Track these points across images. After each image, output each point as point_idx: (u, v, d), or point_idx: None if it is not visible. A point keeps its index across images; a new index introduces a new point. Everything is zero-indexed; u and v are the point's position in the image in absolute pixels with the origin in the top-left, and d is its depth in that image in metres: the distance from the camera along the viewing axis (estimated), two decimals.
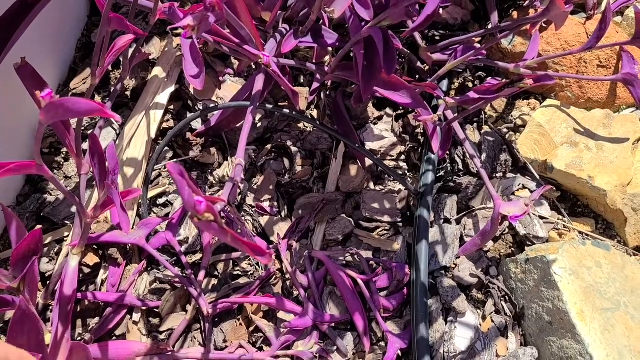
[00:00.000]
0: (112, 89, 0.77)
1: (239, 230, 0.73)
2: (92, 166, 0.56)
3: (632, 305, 0.65)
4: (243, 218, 0.78)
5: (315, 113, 0.85)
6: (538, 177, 0.78)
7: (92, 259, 0.73)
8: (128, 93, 0.84)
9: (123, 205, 0.55)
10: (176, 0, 0.90)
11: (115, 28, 0.56)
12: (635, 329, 0.64)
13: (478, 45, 0.83)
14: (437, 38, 0.88)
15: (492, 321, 0.70)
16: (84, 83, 0.83)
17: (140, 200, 0.77)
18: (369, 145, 0.81)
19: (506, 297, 0.71)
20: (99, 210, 0.62)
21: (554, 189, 0.78)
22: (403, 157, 0.83)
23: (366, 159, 0.79)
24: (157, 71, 0.84)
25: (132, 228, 0.75)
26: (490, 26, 0.86)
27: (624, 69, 0.79)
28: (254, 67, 0.85)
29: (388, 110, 0.86)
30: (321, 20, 0.76)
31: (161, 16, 0.60)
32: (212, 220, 0.36)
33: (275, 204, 0.79)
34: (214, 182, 0.80)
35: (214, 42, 0.61)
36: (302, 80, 0.88)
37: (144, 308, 0.71)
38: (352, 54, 0.68)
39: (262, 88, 0.64)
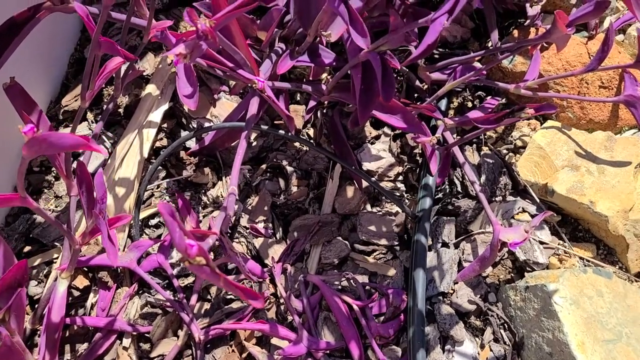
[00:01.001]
0: (105, 107, 0.75)
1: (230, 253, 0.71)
2: (80, 194, 0.54)
3: (634, 337, 0.64)
4: (237, 239, 0.76)
5: (311, 132, 0.83)
6: (538, 200, 0.77)
7: (81, 281, 0.72)
8: (121, 110, 0.82)
9: (111, 236, 0.53)
10: (171, 17, 0.88)
11: (105, 52, 0.55)
12: None
13: (478, 65, 0.81)
14: (436, 56, 0.86)
15: (491, 350, 0.68)
16: (75, 100, 0.81)
17: (131, 222, 0.75)
18: (366, 166, 0.79)
19: (505, 325, 0.70)
20: (87, 237, 0.60)
21: (555, 214, 0.76)
22: (401, 178, 0.81)
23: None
24: (151, 88, 0.82)
25: (123, 250, 0.73)
26: (490, 44, 0.84)
27: (626, 90, 0.78)
28: (249, 86, 0.83)
29: (386, 130, 0.84)
30: (318, 38, 0.74)
31: (153, 39, 0.58)
32: (203, 264, 0.34)
33: (270, 225, 0.78)
34: (208, 202, 0.78)
35: (208, 66, 0.59)
36: (298, 98, 0.86)
37: (134, 333, 0.69)
38: (349, 72, 0.66)
39: (256, 112, 0.62)
